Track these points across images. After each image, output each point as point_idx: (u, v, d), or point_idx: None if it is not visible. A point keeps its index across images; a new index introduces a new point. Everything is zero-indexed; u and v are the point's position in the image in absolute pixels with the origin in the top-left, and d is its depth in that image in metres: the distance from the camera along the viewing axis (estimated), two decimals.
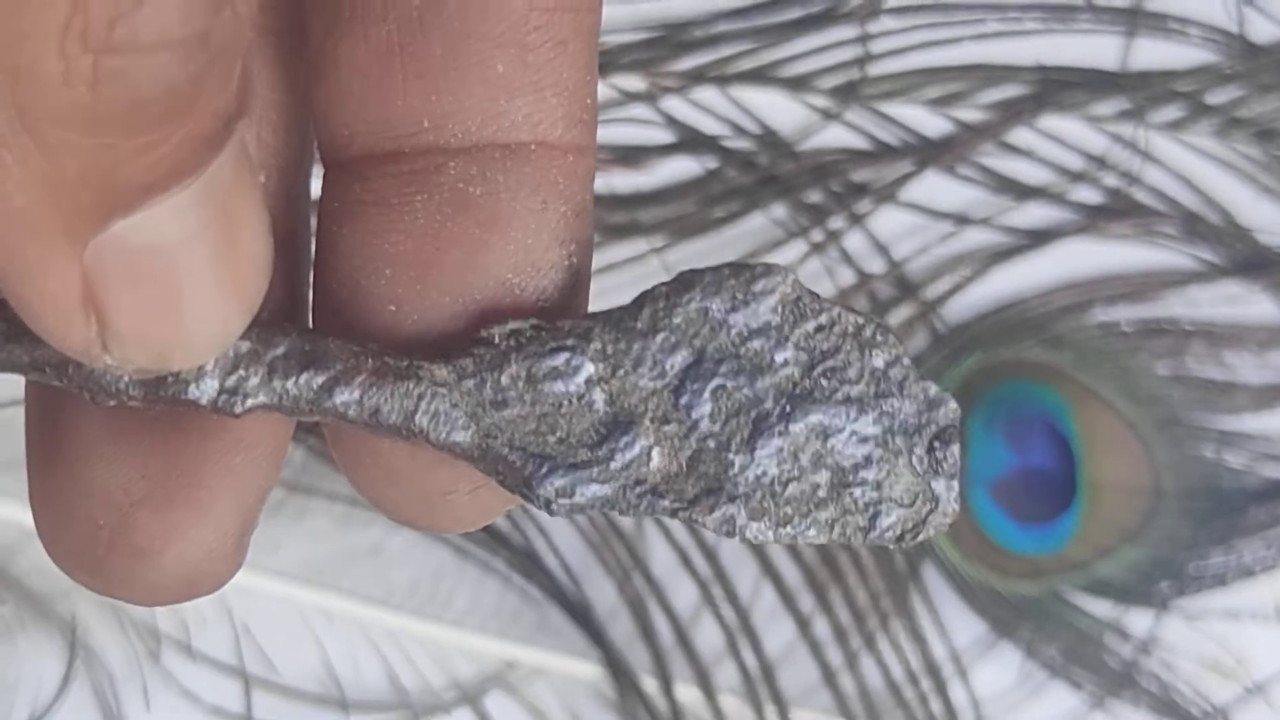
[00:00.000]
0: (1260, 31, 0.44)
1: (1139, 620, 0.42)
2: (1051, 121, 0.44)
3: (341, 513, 0.41)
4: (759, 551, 0.42)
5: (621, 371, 0.15)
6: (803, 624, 0.41)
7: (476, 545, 0.42)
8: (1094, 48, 0.44)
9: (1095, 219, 0.43)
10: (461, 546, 0.42)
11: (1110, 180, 0.43)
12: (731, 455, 0.15)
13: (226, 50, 0.12)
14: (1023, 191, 0.43)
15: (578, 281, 0.16)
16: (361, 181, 0.16)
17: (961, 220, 0.43)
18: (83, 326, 0.13)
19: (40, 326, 0.13)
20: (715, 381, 0.15)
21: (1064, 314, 0.43)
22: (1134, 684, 0.41)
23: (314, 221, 0.17)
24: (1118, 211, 0.43)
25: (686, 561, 0.42)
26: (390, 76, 0.15)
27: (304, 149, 0.17)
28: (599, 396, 0.15)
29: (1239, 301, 0.43)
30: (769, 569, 0.42)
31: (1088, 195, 0.43)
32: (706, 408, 0.15)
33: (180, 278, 0.13)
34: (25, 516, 0.40)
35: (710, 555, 0.42)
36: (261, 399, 0.15)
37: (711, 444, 0.15)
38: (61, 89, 0.11)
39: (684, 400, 0.15)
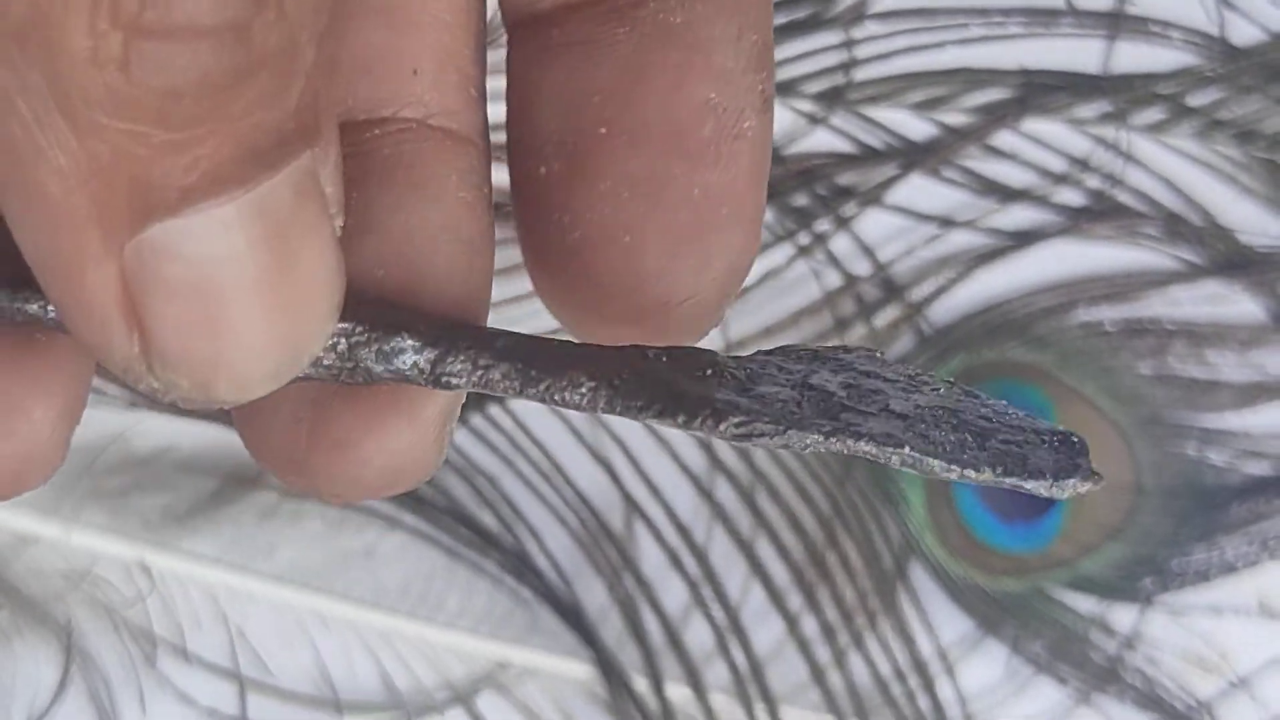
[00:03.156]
0: (1241, 34, 0.44)
1: (1123, 616, 0.42)
2: (1034, 124, 0.44)
3: (335, 516, 0.42)
4: (747, 551, 0.42)
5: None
6: (791, 622, 0.42)
7: (468, 547, 0.42)
8: (1076, 51, 0.44)
9: (1078, 220, 0.43)
10: (453, 549, 0.42)
11: (1093, 182, 0.44)
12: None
13: (276, 60, 0.12)
14: (1006, 194, 0.44)
15: (769, 109, 0.17)
16: (559, 27, 0.17)
17: (946, 223, 0.44)
18: (125, 339, 0.13)
19: (82, 335, 0.13)
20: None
21: (1047, 315, 0.43)
22: (1119, 679, 0.42)
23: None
24: (1100, 213, 0.43)
25: (676, 561, 0.42)
26: None
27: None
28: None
29: (1220, 301, 0.43)
30: (757, 568, 0.42)
31: (1071, 197, 0.44)
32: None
33: (224, 299, 0.13)
34: (19, 522, 0.40)
35: (700, 555, 0.42)
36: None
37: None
38: (92, 68, 0.11)
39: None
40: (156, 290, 0.13)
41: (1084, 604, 0.43)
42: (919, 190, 0.43)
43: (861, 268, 0.43)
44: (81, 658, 0.40)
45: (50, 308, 0.14)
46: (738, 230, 0.17)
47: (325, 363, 0.15)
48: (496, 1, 0.18)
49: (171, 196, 0.12)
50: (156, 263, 0.12)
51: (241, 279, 0.13)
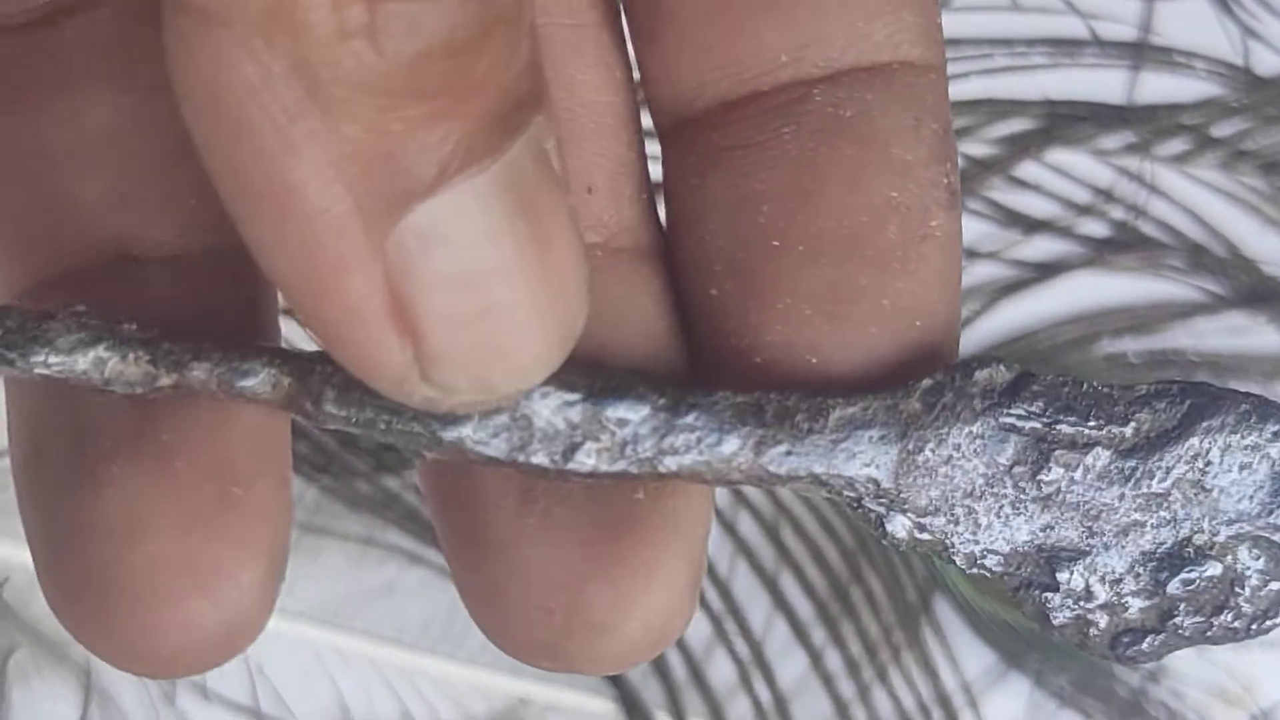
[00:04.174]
0: (1265, 64, 0.44)
1: None
2: (1058, 155, 0.44)
3: (355, 552, 0.41)
4: (771, 585, 0.42)
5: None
6: (815, 657, 0.42)
7: None
8: (1100, 82, 0.44)
9: (1102, 252, 0.43)
10: None
11: (1117, 213, 0.44)
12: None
13: (509, 15, 0.11)
14: (1030, 225, 0.43)
15: (957, 204, 0.15)
16: (718, 130, 0.15)
17: (970, 254, 0.43)
18: (397, 347, 0.12)
19: (351, 353, 0.12)
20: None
21: (1071, 346, 0.43)
22: (1143, 712, 0.42)
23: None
24: (1124, 244, 0.43)
25: (699, 597, 0.42)
26: (741, 15, 0.15)
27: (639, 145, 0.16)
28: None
29: (1244, 333, 0.43)
30: (781, 603, 0.42)
31: (1095, 228, 0.44)
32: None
33: (491, 279, 0.12)
34: None
35: (723, 590, 0.42)
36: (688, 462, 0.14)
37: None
38: (340, 44, 0.11)
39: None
40: (424, 282, 0.12)
41: None
42: None
43: None
44: (100, 696, 0.40)
45: (226, 372, 0.14)
46: (936, 342, 0.15)
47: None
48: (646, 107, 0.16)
49: (429, 173, 0.12)
50: (422, 250, 0.12)
51: (505, 256, 0.12)
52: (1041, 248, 0.44)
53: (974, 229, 0.44)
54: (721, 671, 0.42)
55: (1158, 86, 0.44)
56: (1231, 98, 0.44)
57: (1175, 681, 0.42)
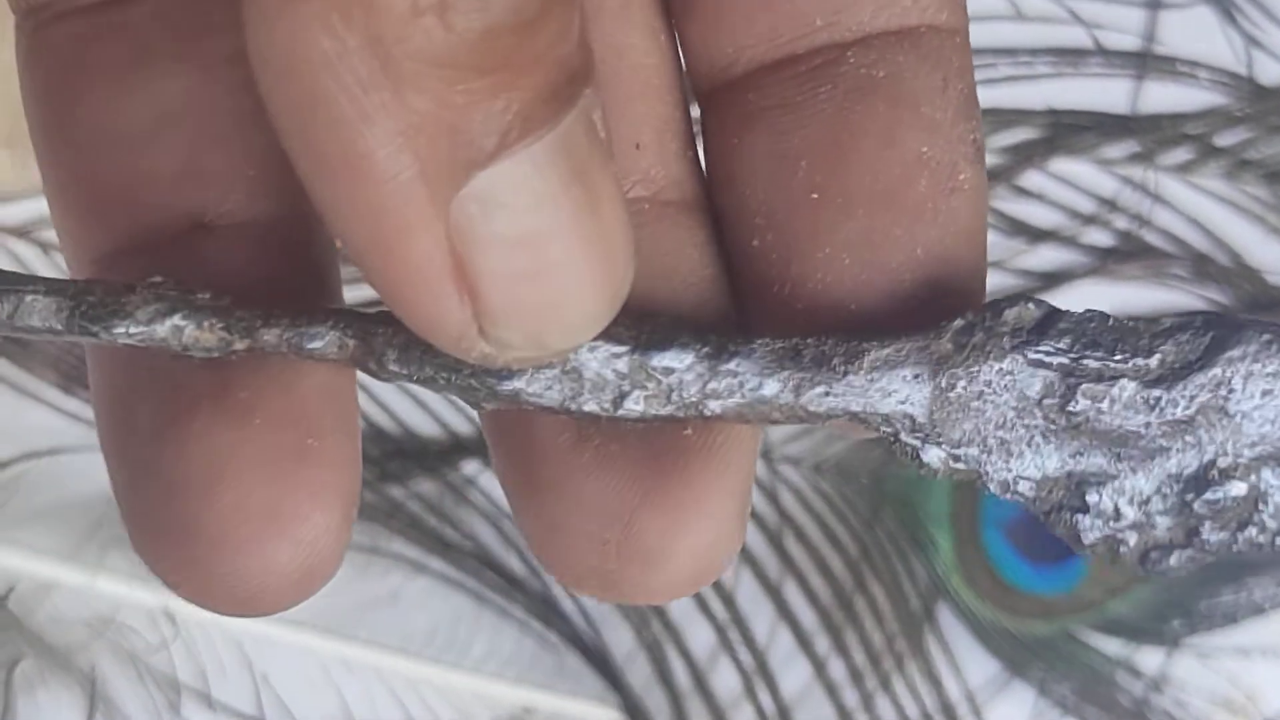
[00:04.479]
0: (1269, 73, 0.44)
1: (1150, 658, 0.42)
2: (1062, 164, 0.44)
3: (360, 561, 0.42)
4: (775, 595, 0.42)
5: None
6: (819, 666, 0.42)
7: (494, 591, 0.42)
8: (1104, 91, 0.44)
9: (1106, 261, 0.43)
10: (479, 593, 0.42)
11: (1121, 222, 0.44)
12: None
13: None
14: (1034, 235, 0.43)
15: (982, 160, 0.16)
16: (755, 91, 0.16)
17: None
18: (457, 305, 0.13)
19: (413, 311, 0.13)
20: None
21: None
22: None
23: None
24: (1128, 253, 0.43)
25: (703, 605, 0.42)
26: None
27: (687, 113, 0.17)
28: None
29: None
30: (785, 612, 0.42)
31: (1099, 238, 0.44)
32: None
33: (547, 241, 0.13)
34: (43, 570, 0.40)
35: (727, 599, 0.42)
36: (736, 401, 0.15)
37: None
38: (412, 21, 0.12)
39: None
40: (484, 244, 0.13)
41: (1111, 646, 0.43)
42: None
43: None
44: (105, 705, 0.40)
45: (296, 335, 0.15)
46: (965, 288, 0.16)
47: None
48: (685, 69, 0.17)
49: (490, 142, 0.12)
50: (483, 214, 0.13)
51: (559, 220, 0.13)
52: (1046, 257, 0.44)
53: None
54: (725, 680, 0.42)
55: (1161, 96, 0.44)
56: (1235, 107, 0.44)
57: (1179, 690, 0.42)
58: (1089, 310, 0.16)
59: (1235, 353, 0.15)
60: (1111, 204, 0.44)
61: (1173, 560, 0.16)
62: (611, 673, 0.41)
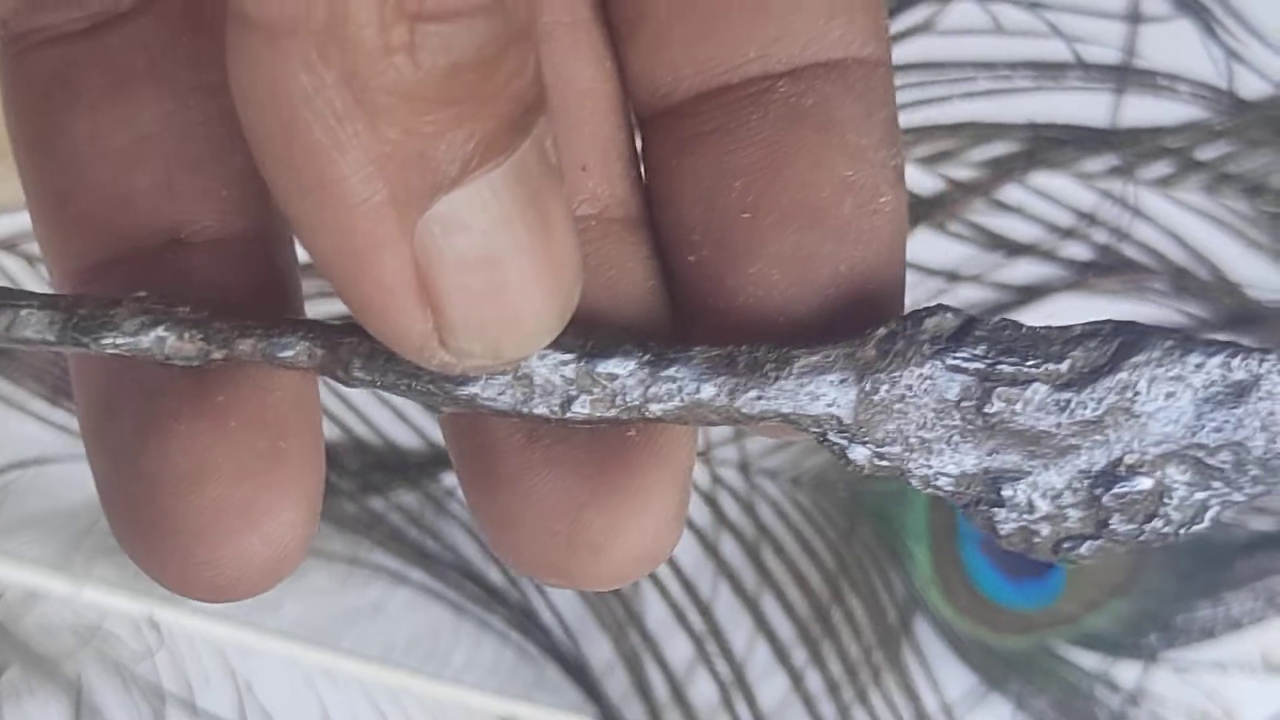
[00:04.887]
0: (1249, 87, 0.44)
1: (1128, 672, 0.43)
2: (1042, 178, 0.44)
3: (341, 572, 0.42)
4: (753, 607, 0.42)
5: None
6: (796, 678, 0.42)
7: (474, 603, 0.42)
8: (1084, 105, 0.44)
9: (1085, 275, 0.43)
10: (460, 604, 0.42)
11: (1100, 236, 0.44)
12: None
13: (522, 27, 0.13)
14: (1013, 248, 0.44)
15: (902, 184, 0.17)
16: (693, 117, 0.17)
17: (953, 277, 0.43)
18: (420, 318, 0.14)
19: (379, 323, 0.14)
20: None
21: None
22: None
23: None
24: (1107, 267, 0.43)
25: (681, 617, 0.42)
26: (713, 17, 0.17)
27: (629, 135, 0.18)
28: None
29: None
30: (763, 624, 0.42)
31: (1078, 251, 0.44)
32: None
33: (503, 261, 0.14)
34: (29, 578, 0.40)
35: (705, 611, 0.42)
36: (674, 407, 0.16)
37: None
38: (384, 57, 0.13)
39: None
40: (446, 264, 0.14)
41: (1089, 660, 0.43)
42: (925, 245, 0.43)
43: None
44: (91, 713, 0.40)
45: (269, 344, 0.16)
46: (886, 301, 0.17)
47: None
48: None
49: (454, 170, 0.13)
50: (445, 235, 0.14)
51: (515, 241, 0.14)
52: (1024, 271, 0.44)
53: (957, 252, 0.44)
54: (703, 692, 0.42)
55: (1141, 110, 0.44)
56: (1215, 121, 0.44)
57: (1156, 705, 0.42)
58: (1003, 319, 0.16)
59: (1140, 358, 0.16)
60: (1091, 218, 0.44)
61: (1084, 549, 0.16)
62: (590, 683, 0.42)
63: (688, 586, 0.42)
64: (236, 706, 0.41)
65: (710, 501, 0.43)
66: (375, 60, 0.13)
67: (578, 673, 0.42)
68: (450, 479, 0.42)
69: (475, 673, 0.42)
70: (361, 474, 0.42)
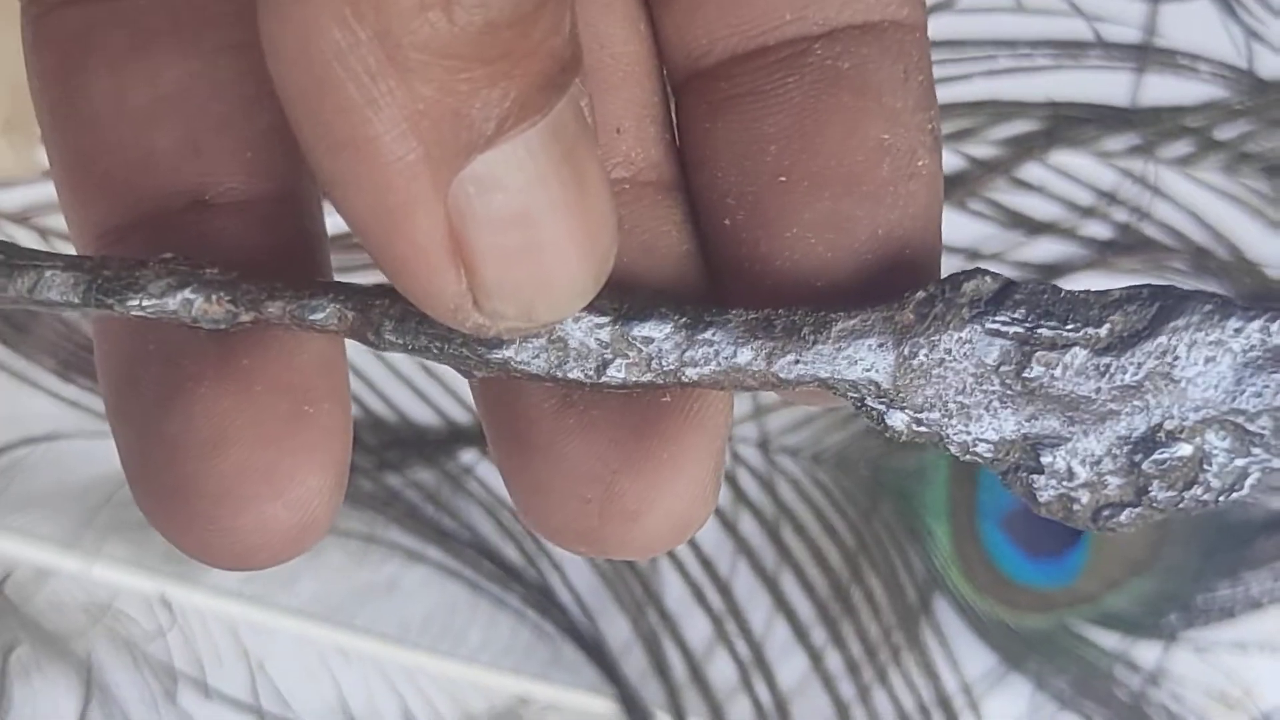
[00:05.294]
0: (1269, 67, 0.44)
1: (1148, 652, 0.42)
2: (1062, 157, 0.44)
3: (357, 550, 0.42)
4: (772, 586, 0.42)
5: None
6: (815, 658, 0.42)
7: (490, 581, 0.42)
8: (1104, 84, 0.44)
9: (1105, 254, 0.43)
10: (476, 583, 0.42)
11: (1120, 215, 0.44)
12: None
13: None
14: (1033, 227, 0.43)
15: (939, 148, 0.17)
16: (727, 80, 0.17)
17: (973, 255, 0.43)
18: (454, 279, 0.14)
19: (412, 284, 0.14)
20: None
21: None
22: (1143, 715, 0.42)
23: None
24: (1127, 246, 0.43)
25: (700, 596, 0.42)
26: None
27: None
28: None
29: None
30: (782, 603, 0.42)
31: (1098, 230, 0.44)
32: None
33: (538, 220, 0.14)
34: (40, 556, 0.40)
35: (724, 590, 0.42)
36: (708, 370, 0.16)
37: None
38: (419, 14, 0.12)
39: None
40: (481, 223, 0.13)
41: (1108, 640, 0.42)
42: (945, 223, 0.43)
43: None
44: (101, 692, 0.40)
45: (300, 308, 0.16)
46: (923, 266, 0.17)
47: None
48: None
49: (489, 128, 0.13)
50: (480, 195, 0.13)
51: (551, 200, 0.14)
52: (1044, 250, 0.44)
53: (977, 231, 0.44)
54: (722, 672, 0.42)
55: (1161, 89, 0.44)
56: (1235, 100, 0.44)
57: (1175, 685, 0.42)
58: (1042, 282, 0.16)
59: (1180, 322, 0.16)
60: (1111, 197, 0.44)
61: (1123, 517, 0.16)
62: (608, 663, 0.41)
63: (707, 565, 0.42)
64: (249, 686, 0.40)
65: (730, 479, 0.42)
66: (410, 17, 0.12)
67: (595, 652, 0.41)
68: (468, 457, 0.42)
69: (491, 651, 0.41)
70: (378, 451, 0.42)
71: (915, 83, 0.17)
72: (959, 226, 0.43)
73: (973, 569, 0.42)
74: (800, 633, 0.42)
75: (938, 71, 0.47)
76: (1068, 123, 0.44)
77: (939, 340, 0.16)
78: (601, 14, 0.17)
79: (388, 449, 0.42)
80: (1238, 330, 0.16)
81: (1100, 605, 0.43)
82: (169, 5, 0.17)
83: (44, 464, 0.41)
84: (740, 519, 0.42)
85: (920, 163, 0.17)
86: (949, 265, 0.46)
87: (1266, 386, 0.16)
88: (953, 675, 0.42)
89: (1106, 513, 0.16)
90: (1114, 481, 0.16)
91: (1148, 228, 0.44)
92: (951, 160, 0.44)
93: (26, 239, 0.41)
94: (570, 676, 0.41)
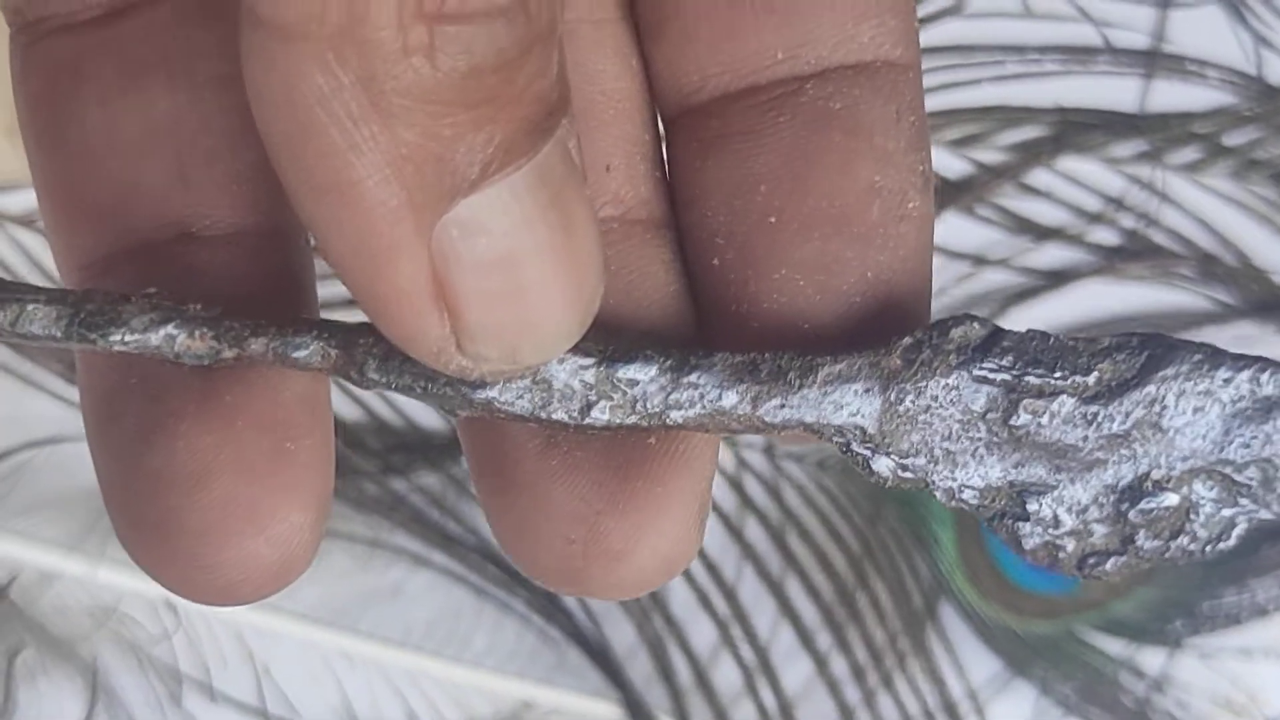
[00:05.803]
0: (1278, 73, 0.44)
1: (1153, 658, 0.42)
2: (1070, 163, 0.44)
3: (362, 554, 0.42)
4: (777, 591, 0.42)
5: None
6: (820, 663, 0.42)
7: (495, 585, 0.42)
8: (1113, 90, 0.44)
9: (1112, 260, 0.43)
10: (481, 587, 0.42)
11: (1127, 221, 0.44)
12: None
13: (544, 29, 0.13)
14: (1040, 232, 0.43)
15: (930, 189, 0.17)
16: (719, 118, 0.17)
17: (979, 261, 0.43)
18: (437, 322, 0.14)
19: (395, 327, 0.14)
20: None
21: None
22: None
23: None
24: (1134, 253, 0.43)
25: (705, 601, 0.42)
26: (741, 16, 0.17)
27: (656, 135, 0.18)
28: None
29: (1253, 342, 0.43)
30: (787, 608, 0.42)
31: (1105, 236, 0.44)
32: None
33: (523, 264, 0.14)
34: (45, 559, 0.40)
35: (729, 595, 0.42)
36: (694, 413, 0.16)
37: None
38: (402, 60, 0.12)
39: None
40: (464, 266, 0.13)
41: (1114, 646, 0.42)
42: (952, 228, 0.43)
43: None
44: (107, 696, 0.40)
45: (279, 346, 0.16)
46: (912, 309, 0.17)
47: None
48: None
49: (473, 172, 0.13)
50: (464, 238, 0.13)
51: (536, 244, 0.14)
52: (1052, 255, 0.43)
53: (984, 236, 0.44)
54: (727, 676, 0.42)
55: (1170, 95, 0.44)
56: (1244, 106, 0.44)
57: (1181, 691, 0.42)
58: (1031, 330, 0.16)
59: (1169, 371, 0.16)
60: (1119, 203, 0.44)
61: (1109, 565, 0.16)
62: (613, 668, 0.41)
63: (712, 570, 0.42)
64: (255, 689, 0.40)
65: (735, 485, 0.42)
66: (393, 62, 0.12)
67: (600, 657, 0.41)
68: None
69: (496, 656, 0.41)
70: (383, 455, 0.42)
71: (907, 123, 0.17)
72: (966, 232, 0.43)
73: (978, 575, 0.42)
74: (805, 638, 0.42)
75: (946, 76, 0.47)
76: (1076, 128, 0.43)
77: (926, 386, 0.16)
78: (592, 50, 0.17)
79: (393, 453, 0.42)
80: (1227, 380, 0.16)
81: (1106, 611, 0.43)
82: (158, 37, 0.17)
83: (49, 467, 0.41)
84: (746, 524, 0.42)
85: (911, 204, 0.17)
86: (957, 270, 0.46)
87: (1255, 437, 0.16)
88: (958, 681, 0.42)
89: (1092, 561, 0.16)
90: (1100, 530, 0.16)
91: (1155, 234, 0.43)
92: (959, 165, 0.44)
93: (33, 242, 0.41)
94: (575, 681, 0.41)
